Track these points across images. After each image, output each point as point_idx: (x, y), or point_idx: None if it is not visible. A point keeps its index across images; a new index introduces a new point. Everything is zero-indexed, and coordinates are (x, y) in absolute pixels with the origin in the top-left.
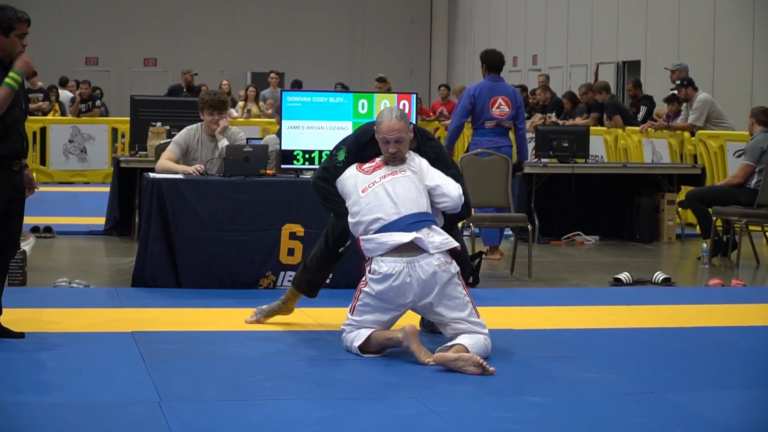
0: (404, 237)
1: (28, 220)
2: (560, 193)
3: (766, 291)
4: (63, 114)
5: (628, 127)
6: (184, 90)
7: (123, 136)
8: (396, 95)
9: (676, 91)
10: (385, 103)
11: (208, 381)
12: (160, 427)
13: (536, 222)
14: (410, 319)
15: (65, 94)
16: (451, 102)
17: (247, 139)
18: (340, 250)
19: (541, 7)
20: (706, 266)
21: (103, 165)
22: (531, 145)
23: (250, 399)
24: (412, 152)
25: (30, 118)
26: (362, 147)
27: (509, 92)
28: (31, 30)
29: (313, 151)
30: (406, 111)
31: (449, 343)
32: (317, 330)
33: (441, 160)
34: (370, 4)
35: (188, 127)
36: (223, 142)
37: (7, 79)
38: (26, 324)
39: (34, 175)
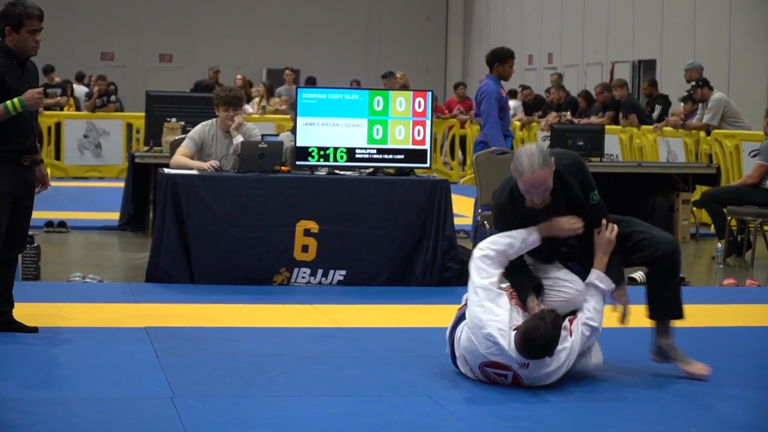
0: None
1: (43, 215)
2: None
3: None
4: (78, 109)
5: (644, 126)
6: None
7: (138, 131)
8: (412, 92)
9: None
10: (400, 101)
11: (222, 377)
12: (173, 422)
13: None
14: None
15: (80, 89)
16: (467, 101)
17: (262, 136)
18: None
19: (557, 6)
20: (721, 266)
21: (118, 160)
22: (546, 143)
23: (263, 395)
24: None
25: (45, 113)
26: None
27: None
28: (46, 25)
29: (327, 148)
30: (422, 108)
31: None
32: (331, 327)
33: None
34: (386, 2)
35: (203, 123)
36: (238, 139)
37: (7, 102)
38: (40, 318)
39: (49, 170)
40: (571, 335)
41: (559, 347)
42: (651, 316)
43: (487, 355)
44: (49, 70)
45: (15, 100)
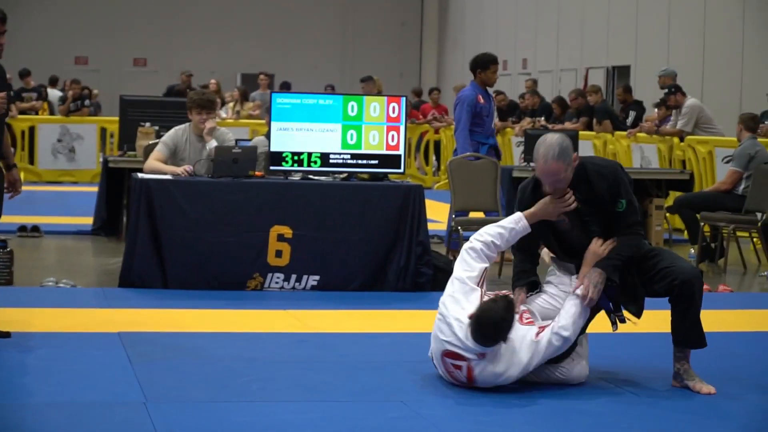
0: None
1: (16, 220)
2: None
3: (753, 297)
4: (52, 113)
5: (617, 132)
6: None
7: (112, 136)
8: (386, 98)
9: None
10: (374, 106)
11: (195, 382)
12: (145, 427)
13: None
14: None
15: (54, 94)
16: (442, 105)
17: (236, 141)
18: None
19: (532, 12)
20: None
21: (92, 165)
22: (520, 149)
23: (236, 400)
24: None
25: (19, 117)
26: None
27: None
28: (20, 28)
29: (301, 153)
30: (396, 114)
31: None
32: (305, 332)
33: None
34: (361, 7)
35: (176, 128)
36: (212, 143)
37: None
38: (13, 324)
39: (22, 174)
40: (536, 337)
41: (516, 345)
42: (674, 343)
43: (445, 344)
44: (24, 74)
45: None
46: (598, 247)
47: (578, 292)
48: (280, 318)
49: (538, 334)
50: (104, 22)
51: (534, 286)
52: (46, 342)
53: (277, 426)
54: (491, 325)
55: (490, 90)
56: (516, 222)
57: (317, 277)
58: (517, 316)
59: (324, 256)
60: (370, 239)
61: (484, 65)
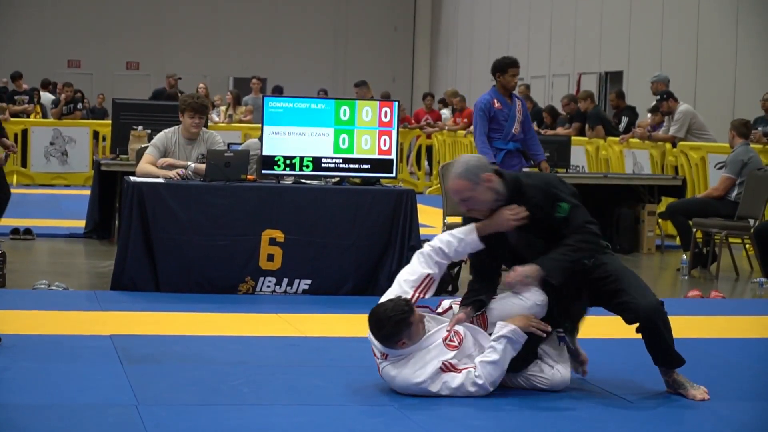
0: None
1: (9, 222)
2: None
3: (745, 303)
4: (44, 116)
5: (610, 138)
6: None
7: (104, 139)
8: (378, 102)
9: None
10: (367, 110)
11: (186, 385)
12: (137, 430)
13: None
14: None
15: (47, 97)
16: (435, 111)
17: (228, 144)
18: None
19: (524, 17)
20: (686, 278)
21: (84, 168)
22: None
23: (227, 404)
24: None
25: (11, 120)
26: None
27: None
28: (14, 31)
29: (294, 157)
30: (388, 118)
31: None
32: (296, 336)
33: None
34: (354, 11)
35: (165, 130)
36: (201, 147)
37: None
38: (4, 326)
39: (15, 177)
40: (443, 370)
41: (425, 361)
42: (655, 363)
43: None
44: (17, 77)
45: None
46: (512, 278)
47: (507, 279)
48: (271, 322)
49: (447, 368)
50: (97, 26)
51: (481, 306)
52: (38, 344)
53: (268, 429)
54: (378, 320)
55: (518, 94)
56: (467, 233)
57: (309, 281)
58: (439, 333)
59: (316, 260)
60: (362, 243)
61: (502, 69)
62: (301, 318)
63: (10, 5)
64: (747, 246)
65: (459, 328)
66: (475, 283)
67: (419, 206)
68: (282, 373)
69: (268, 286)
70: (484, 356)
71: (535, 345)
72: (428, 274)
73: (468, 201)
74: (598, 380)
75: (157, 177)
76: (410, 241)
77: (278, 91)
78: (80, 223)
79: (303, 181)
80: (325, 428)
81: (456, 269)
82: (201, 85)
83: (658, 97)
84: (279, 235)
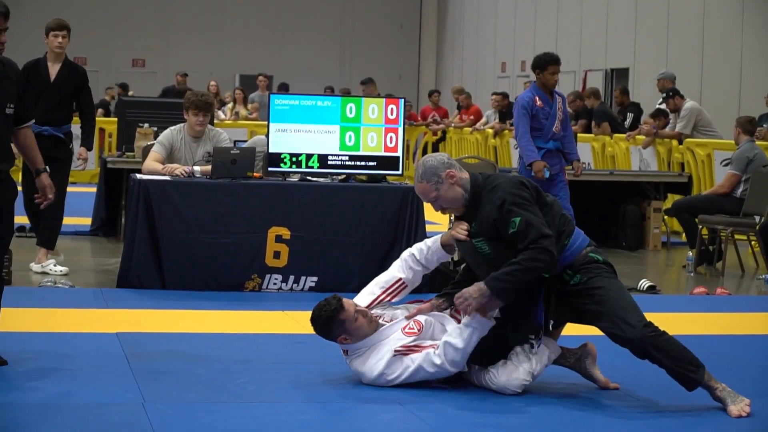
0: None
1: (15, 220)
2: None
3: (751, 300)
4: None
5: (616, 135)
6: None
7: (110, 136)
8: (384, 100)
9: (661, 106)
10: (373, 108)
11: (192, 383)
12: (143, 428)
13: None
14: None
15: None
16: (441, 108)
17: (234, 142)
18: None
19: (530, 14)
20: (692, 274)
21: (90, 165)
22: (518, 151)
23: (233, 402)
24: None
25: None
26: None
27: None
28: (18, 28)
29: (300, 155)
30: (394, 116)
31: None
32: (302, 333)
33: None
34: (360, 9)
35: (171, 128)
36: (207, 145)
37: None
38: (10, 324)
39: (19, 175)
40: (396, 353)
41: (381, 351)
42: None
43: None
44: None
45: None
46: (459, 303)
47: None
48: (277, 319)
49: (405, 352)
50: (103, 23)
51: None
52: (43, 342)
53: (274, 427)
54: (311, 318)
55: (561, 91)
56: (434, 242)
57: (315, 279)
58: (399, 324)
59: (322, 258)
60: (368, 241)
61: (542, 66)
62: (308, 315)
63: (15, 3)
64: (753, 243)
65: (421, 317)
66: (461, 276)
67: (425, 204)
68: (288, 371)
69: (275, 284)
70: (449, 337)
71: (507, 347)
72: (399, 279)
73: (437, 201)
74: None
75: (163, 175)
76: (416, 238)
77: (284, 89)
78: (86, 221)
79: (309, 178)
80: (331, 426)
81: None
82: (212, 83)
83: (665, 94)
84: (285, 233)
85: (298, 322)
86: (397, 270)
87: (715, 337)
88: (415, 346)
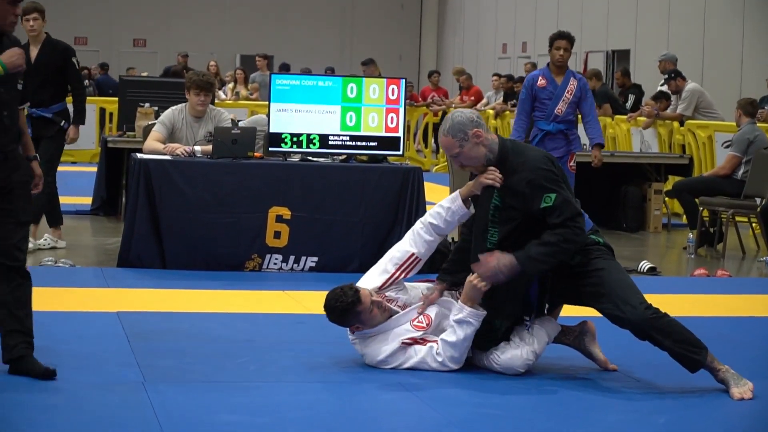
0: None
1: None
2: None
3: (752, 282)
4: None
5: (617, 116)
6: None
7: (111, 116)
8: (385, 80)
9: (663, 88)
10: (374, 88)
11: (193, 362)
12: (144, 408)
13: None
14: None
15: None
16: (442, 88)
17: (235, 122)
18: None
19: None
20: (692, 256)
21: (91, 145)
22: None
23: (234, 381)
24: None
25: None
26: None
27: None
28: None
29: (300, 135)
30: (395, 96)
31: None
32: (303, 313)
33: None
34: None
35: (173, 108)
36: (208, 125)
37: None
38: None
39: None
40: (404, 344)
41: (388, 338)
42: None
43: None
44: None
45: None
46: (476, 282)
47: (479, 270)
48: (278, 299)
49: (410, 343)
50: (104, 3)
51: (460, 281)
52: (44, 321)
53: (275, 407)
54: (325, 306)
55: (580, 74)
56: (452, 201)
57: (315, 259)
58: (408, 315)
59: (322, 238)
60: (369, 221)
61: (550, 42)
62: (308, 295)
63: None
64: (753, 225)
65: (431, 310)
66: (457, 253)
67: (426, 184)
68: (288, 351)
69: (275, 264)
70: (445, 335)
71: (508, 330)
72: (413, 254)
73: (458, 157)
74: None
75: (164, 154)
76: (417, 218)
77: (285, 69)
78: (87, 200)
79: (310, 158)
80: (332, 406)
81: None
82: (212, 63)
83: (666, 75)
84: (286, 213)
85: (298, 301)
86: (409, 244)
87: (715, 319)
88: (421, 339)
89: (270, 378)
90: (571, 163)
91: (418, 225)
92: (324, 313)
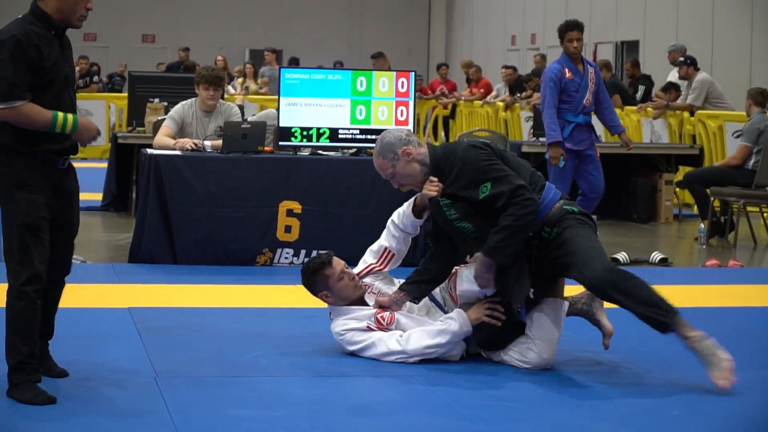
0: None
1: None
2: None
3: (764, 272)
4: None
5: (627, 107)
6: (182, 67)
7: (121, 111)
8: (395, 73)
9: (672, 79)
10: (383, 81)
11: (204, 357)
12: (156, 402)
13: None
14: None
15: None
16: (450, 81)
17: (242, 109)
18: None
19: None
20: (704, 247)
21: (101, 140)
22: (529, 125)
23: (246, 375)
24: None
25: None
26: None
27: None
28: (28, 4)
29: (311, 128)
30: (405, 89)
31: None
32: (314, 308)
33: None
34: None
35: (183, 102)
36: (218, 119)
37: (60, 114)
38: None
39: None
40: (378, 326)
41: (347, 315)
42: None
43: None
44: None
45: (70, 118)
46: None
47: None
48: (289, 293)
49: (371, 327)
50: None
51: (420, 295)
52: (56, 318)
53: (286, 401)
54: (301, 269)
55: (592, 61)
56: (408, 204)
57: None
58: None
59: (333, 232)
60: (380, 215)
61: (561, 34)
62: None
63: None
64: (765, 214)
65: (400, 317)
66: (427, 261)
67: None
68: (300, 345)
69: (286, 258)
70: (426, 329)
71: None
72: (385, 248)
73: (394, 177)
74: (606, 351)
75: (174, 150)
76: None
77: (295, 63)
78: (97, 196)
79: (320, 152)
80: (344, 400)
81: None
82: (219, 58)
83: (680, 60)
84: (296, 207)
85: (310, 296)
86: (383, 238)
87: (727, 309)
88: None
89: (281, 372)
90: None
91: (389, 220)
92: None
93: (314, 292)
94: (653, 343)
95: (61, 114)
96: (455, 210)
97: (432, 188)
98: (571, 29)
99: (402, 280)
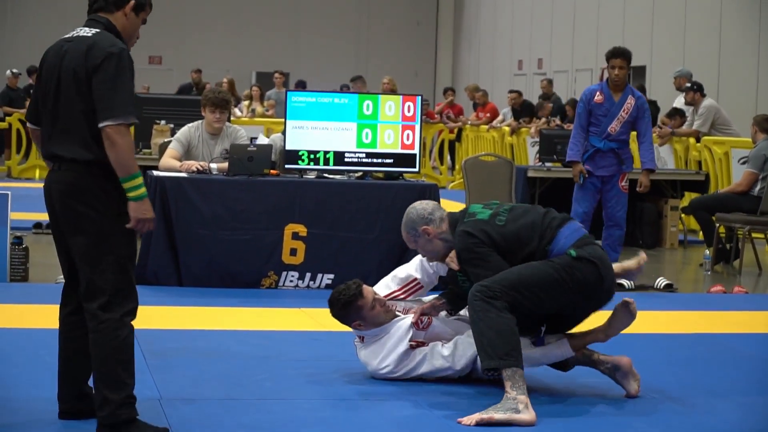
0: None
1: (31, 217)
2: (564, 197)
3: None
4: None
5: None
6: (194, 89)
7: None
8: (401, 97)
9: (678, 105)
10: (390, 105)
11: (209, 380)
12: (160, 425)
13: None
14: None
15: None
16: (457, 105)
17: (251, 139)
18: None
19: (547, 11)
20: (709, 273)
21: None
22: (535, 149)
23: (250, 398)
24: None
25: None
26: None
27: None
28: (34, 26)
29: (317, 152)
30: (411, 113)
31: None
32: (319, 330)
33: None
34: (377, 6)
35: (189, 125)
36: (224, 142)
37: (143, 185)
38: (28, 320)
39: (37, 171)
40: (411, 348)
41: (390, 343)
42: None
43: None
44: (33, 71)
45: (139, 194)
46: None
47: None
48: (294, 316)
49: (415, 346)
50: None
51: (456, 308)
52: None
53: (291, 424)
54: (329, 300)
55: (639, 92)
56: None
57: (332, 276)
58: (408, 318)
59: (338, 255)
60: (385, 238)
61: (606, 59)
62: (324, 312)
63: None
64: None
65: (435, 321)
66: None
67: (442, 201)
68: (305, 368)
69: (291, 281)
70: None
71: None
72: (415, 278)
73: (418, 250)
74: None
75: (180, 172)
76: None
77: (301, 86)
78: None
79: (326, 175)
80: (348, 423)
81: None
82: (224, 79)
83: (687, 85)
84: (302, 230)
85: (314, 319)
86: (414, 269)
87: (732, 336)
88: (422, 342)
89: (286, 395)
90: (623, 183)
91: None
92: (331, 313)
93: (346, 323)
94: (657, 369)
95: (143, 185)
96: (468, 282)
97: (452, 264)
98: (615, 56)
99: (420, 298)
